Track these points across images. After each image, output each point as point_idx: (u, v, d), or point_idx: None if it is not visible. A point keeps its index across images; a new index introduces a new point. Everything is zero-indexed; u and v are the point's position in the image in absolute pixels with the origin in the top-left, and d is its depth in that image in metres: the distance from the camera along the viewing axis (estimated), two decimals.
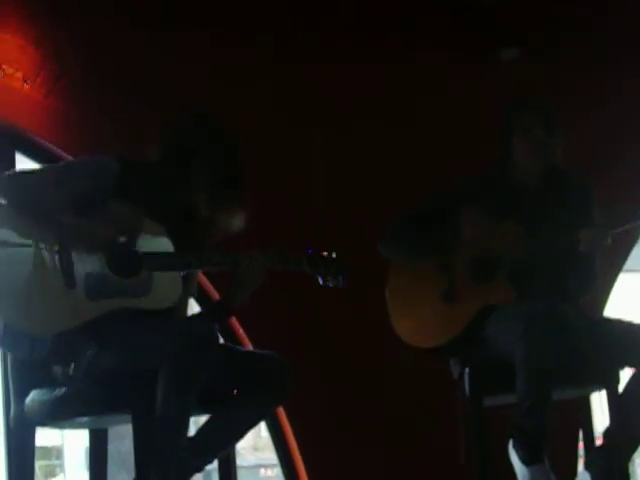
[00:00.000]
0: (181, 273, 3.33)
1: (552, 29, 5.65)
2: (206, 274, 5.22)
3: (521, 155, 3.74)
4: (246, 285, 3.39)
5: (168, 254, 3.31)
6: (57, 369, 3.30)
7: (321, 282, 3.45)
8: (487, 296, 3.67)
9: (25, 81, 5.20)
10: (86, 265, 3.22)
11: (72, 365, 3.23)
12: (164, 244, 3.32)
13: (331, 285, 3.44)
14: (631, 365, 3.61)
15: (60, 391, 3.29)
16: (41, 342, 3.19)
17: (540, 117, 3.71)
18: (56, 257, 3.18)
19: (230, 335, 5.54)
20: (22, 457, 3.34)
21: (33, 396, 3.34)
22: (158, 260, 3.27)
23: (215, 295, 5.16)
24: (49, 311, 3.18)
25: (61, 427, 3.71)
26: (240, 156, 3.46)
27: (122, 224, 3.26)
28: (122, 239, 3.26)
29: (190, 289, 3.49)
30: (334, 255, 3.46)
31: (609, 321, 3.78)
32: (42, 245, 3.17)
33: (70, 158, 5.07)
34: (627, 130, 6.06)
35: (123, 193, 3.29)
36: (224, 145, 3.44)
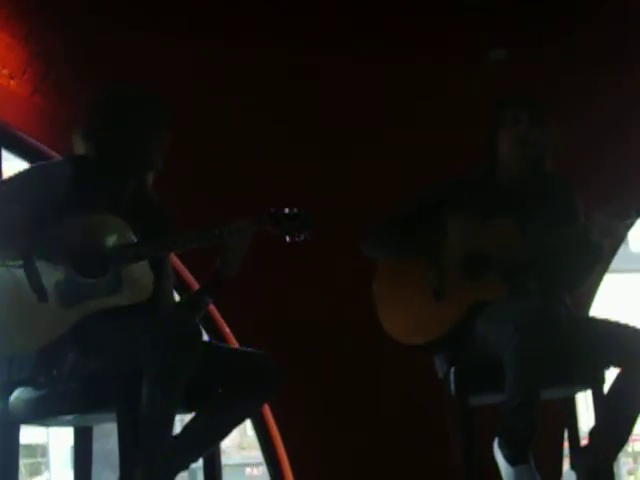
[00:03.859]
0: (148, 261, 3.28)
1: (548, 29, 5.68)
2: (186, 263, 5.23)
3: (507, 148, 3.74)
4: (237, 254, 3.37)
5: (134, 244, 3.26)
6: (40, 378, 3.28)
7: (288, 240, 3.39)
8: (477, 293, 3.65)
9: (12, 78, 5.19)
10: (53, 274, 3.18)
11: (54, 371, 3.21)
12: (125, 235, 3.27)
13: (297, 240, 3.38)
14: (616, 365, 3.61)
15: (45, 389, 3.27)
16: (20, 361, 3.18)
17: (525, 109, 3.72)
18: (21, 272, 3.14)
19: (216, 333, 5.55)
20: (6, 455, 3.32)
21: (17, 394, 3.32)
22: (125, 252, 3.23)
23: (195, 285, 5.15)
24: (26, 328, 3.16)
25: (46, 425, 3.70)
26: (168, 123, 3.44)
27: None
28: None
29: (164, 275, 3.44)
30: (296, 210, 3.39)
31: (595, 321, 3.78)
32: (9, 262, 3.15)
33: (56, 155, 5.07)
34: (611, 132, 6.07)
35: (79, 193, 3.27)
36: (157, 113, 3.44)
